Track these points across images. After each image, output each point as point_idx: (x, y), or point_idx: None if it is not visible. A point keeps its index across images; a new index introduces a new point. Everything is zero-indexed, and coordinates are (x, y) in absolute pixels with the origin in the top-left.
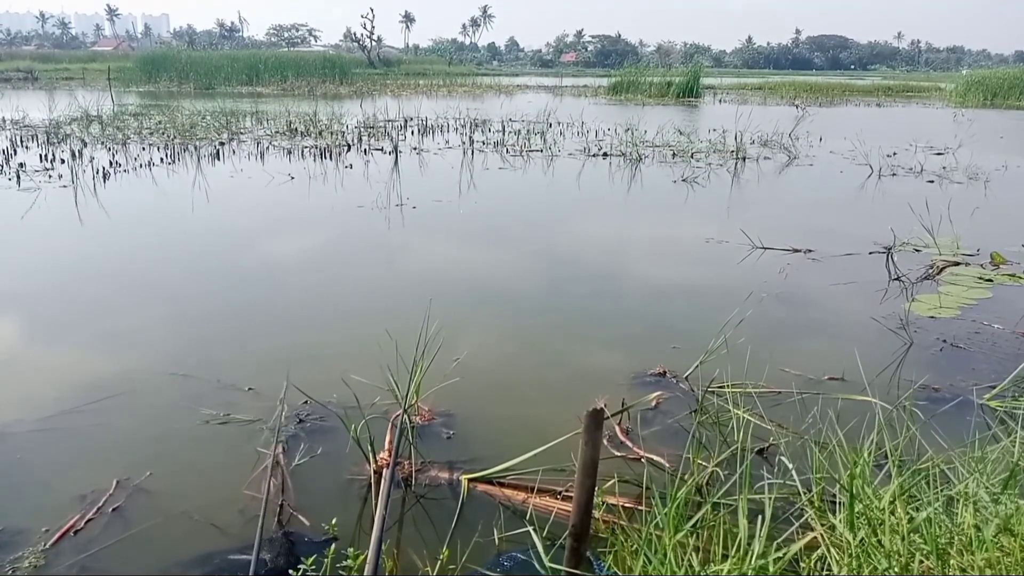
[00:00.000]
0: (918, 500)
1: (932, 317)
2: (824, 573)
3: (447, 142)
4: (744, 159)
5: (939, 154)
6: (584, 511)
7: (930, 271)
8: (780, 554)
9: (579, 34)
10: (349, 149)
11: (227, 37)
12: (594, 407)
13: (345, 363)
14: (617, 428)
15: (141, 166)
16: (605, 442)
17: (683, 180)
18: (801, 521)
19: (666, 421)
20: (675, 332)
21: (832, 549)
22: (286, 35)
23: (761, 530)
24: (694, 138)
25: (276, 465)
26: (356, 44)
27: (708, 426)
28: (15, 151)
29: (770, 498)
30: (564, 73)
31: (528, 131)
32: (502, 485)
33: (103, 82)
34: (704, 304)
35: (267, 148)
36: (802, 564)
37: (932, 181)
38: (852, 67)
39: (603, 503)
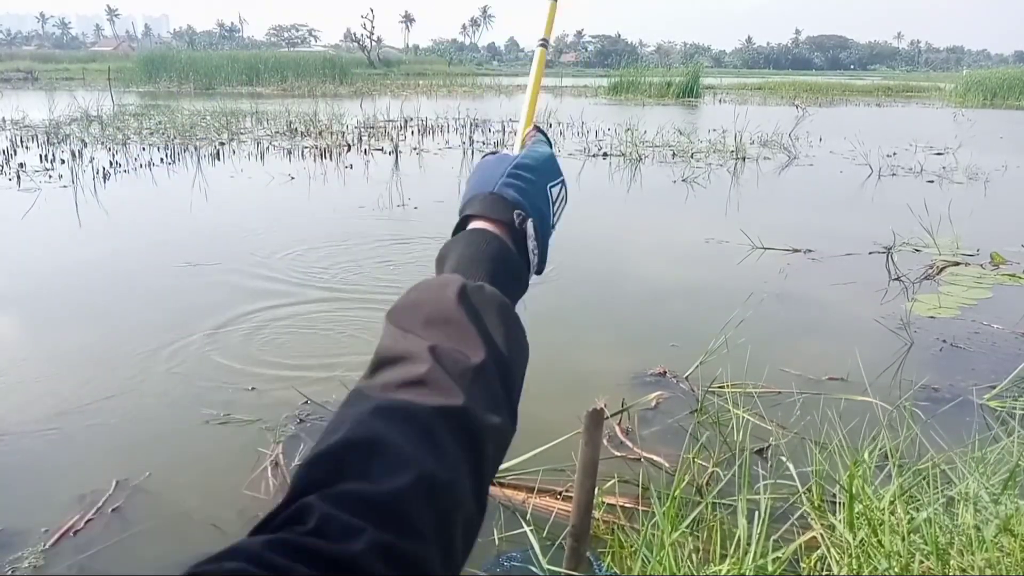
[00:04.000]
0: (918, 500)
1: (932, 317)
2: (824, 573)
3: (447, 142)
4: (744, 159)
5: (939, 154)
6: (584, 511)
7: (930, 271)
8: (779, 554)
9: (579, 34)
10: (349, 149)
11: (227, 37)
12: (594, 407)
13: (345, 363)
14: (617, 428)
15: (141, 166)
16: (605, 442)
17: (683, 180)
18: (800, 520)
19: (666, 421)
20: (675, 332)
21: (832, 549)
22: (286, 35)
23: (760, 530)
24: (694, 138)
25: (276, 465)
26: (356, 44)
27: (708, 426)
28: (15, 151)
29: (769, 498)
30: (564, 73)
31: None
32: (502, 485)
33: (103, 82)
34: (704, 304)
35: (267, 148)
36: (802, 564)
37: (932, 181)
38: (852, 67)
39: (603, 503)
